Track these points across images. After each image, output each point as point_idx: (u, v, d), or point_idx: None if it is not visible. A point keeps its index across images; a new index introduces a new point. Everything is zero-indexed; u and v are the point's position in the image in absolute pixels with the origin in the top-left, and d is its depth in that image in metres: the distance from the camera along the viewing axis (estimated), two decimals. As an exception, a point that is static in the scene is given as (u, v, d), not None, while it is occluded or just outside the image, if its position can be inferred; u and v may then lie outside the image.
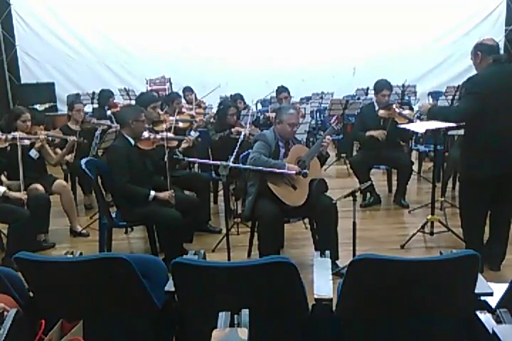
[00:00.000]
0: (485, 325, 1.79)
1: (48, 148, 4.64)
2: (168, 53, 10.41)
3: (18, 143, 4.22)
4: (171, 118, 5.07)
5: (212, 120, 5.47)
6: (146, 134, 4.12)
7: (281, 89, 6.28)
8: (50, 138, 4.64)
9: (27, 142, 4.39)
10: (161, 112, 5.09)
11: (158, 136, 4.18)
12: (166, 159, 4.06)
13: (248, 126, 5.26)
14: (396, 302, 2.01)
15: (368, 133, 5.23)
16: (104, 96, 7.01)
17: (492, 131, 3.34)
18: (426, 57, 10.49)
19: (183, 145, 4.53)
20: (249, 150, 3.87)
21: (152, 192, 3.80)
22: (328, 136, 3.81)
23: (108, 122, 5.50)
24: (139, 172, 3.83)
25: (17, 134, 4.28)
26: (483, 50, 3.44)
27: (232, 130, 5.17)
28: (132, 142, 3.92)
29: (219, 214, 5.26)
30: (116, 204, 4.03)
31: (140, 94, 6.09)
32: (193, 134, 5.09)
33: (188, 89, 7.88)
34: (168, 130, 4.72)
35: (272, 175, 3.57)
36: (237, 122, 5.32)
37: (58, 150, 4.91)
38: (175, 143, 4.50)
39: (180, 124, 5.35)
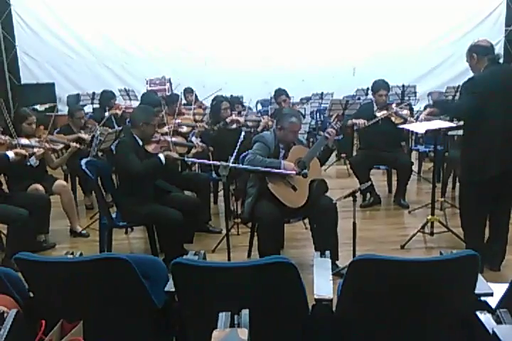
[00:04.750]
0: (485, 326, 1.79)
1: (49, 153, 4.63)
2: (168, 53, 10.42)
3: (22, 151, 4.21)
4: (173, 121, 5.07)
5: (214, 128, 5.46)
6: (156, 135, 4.11)
7: (279, 92, 6.23)
8: (53, 147, 4.62)
9: (30, 151, 4.37)
10: (163, 113, 5.07)
11: (168, 139, 4.17)
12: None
13: (243, 118, 5.31)
14: (396, 303, 2.01)
15: (350, 121, 5.37)
16: (106, 97, 6.98)
17: (492, 131, 3.35)
18: (426, 58, 10.49)
19: (193, 151, 4.53)
20: (249, 151, 3.88)
21: (161, 155, 3.84)
22: (331, 129, 3.79)
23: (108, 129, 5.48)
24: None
25: (20, 141, 4.26)
26: (478, 52, 3.45)
27: (227, 120, 5.19)
28: (140, 142, 3.93)
29: (219, 214, 5.27)
30: (118, 204, 4.03)
31: (147, 95, 6.04)
32: (195, 140, 5.08)
33: (188, 90, 7.86)
34: (169, 133, 4.72)
35: (271, 175, 3.57)
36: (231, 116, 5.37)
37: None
38: (183, 149, 4.48)
39: (184, 129, 5.36)
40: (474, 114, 3.35)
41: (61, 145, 4.79)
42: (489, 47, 3.46)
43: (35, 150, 4.34)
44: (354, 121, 5.34)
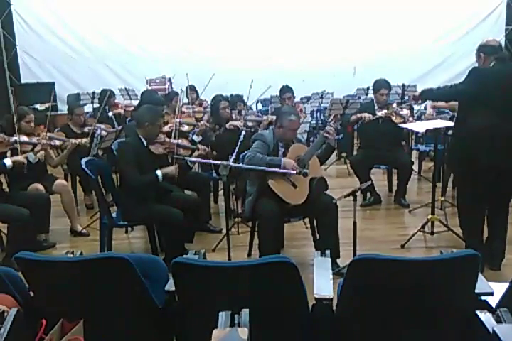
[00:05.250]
0: (485, 325, 1.79)
1: (49, 150, 4.63)
2: (169, 53, 10.41)
3: (20, 149, 4.21)
4: (174, 120, 5.06)
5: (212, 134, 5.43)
6: (161, 136, 4.10)
7: (286, 89, 6.20)
8: (52, 143, 4.62)
9: (29, 148, 4.37)
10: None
11: (174, 141, 4.16)
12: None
13: (242, 118, 5.30)
14: (396, 302, 2.01)
15: (354, 116, 5.35)
16: (105, 97, 6.99)
17: (485, 126, 3.35)
18: (426, 57, 10.48)
19: (195, 154, 4.53)
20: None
21: (158, 172, 3.82)
22: (331, 128, 3.79)
23: (104, 127, 5.48)
24: (146, 173, 3.83)
25: (19, 139, 4.26)
26: (485, 52, 3.46)
27: (227, 126, 5.19)
28: (145, 143, 3.93)
29: (219, 213, 5.26)
30: (119, 203, 4.03)
31: (147, 93, 6.03)
32: (196, 139, 5.08)
33: (191, 88, 7.86)
34: (170, 132, 4.72)
35: (271, 172, 3.58)
36: (231, 115, 5.36)
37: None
38: (188, 151, 4.48)
39: (186, 127, 5.36)
40: (471, 99, 3.38)
41: (60, 142, 4.79)
42: (497, 47, 3.49)
43: (37, 148, 4.35)
44: (359, 115, 5.31)
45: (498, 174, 3.43)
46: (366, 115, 5.26)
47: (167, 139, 4.17)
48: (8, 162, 3.98)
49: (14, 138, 4.22)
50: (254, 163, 3.54)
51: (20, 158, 4.08)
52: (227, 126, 5.22)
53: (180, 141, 4.36)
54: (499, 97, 3.32)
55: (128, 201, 3.87)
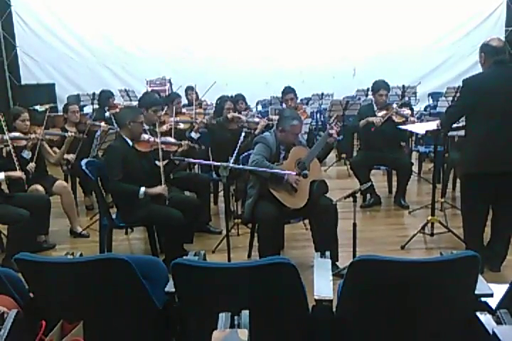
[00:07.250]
0: (485, 326, 1.79)
1: (46, 146, 4.64)
2: (169, 54, 10.43)
3: (14, 144, 4.22)
4: (171, 119, 5.07)
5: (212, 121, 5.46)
6: (145, 136, 4.11)
7: (288, 90, 6.18)
8: (48, 137, 4.63)
9: (24, 143, 4.38)
10: (161, 112, 5.08)
11: (158, 140, 4.18)
12: (160, 162, 4.04)
13: (245, 117, 5.32)
14: (396, 303, 2.01)
15: (363, 120, 5.26)
16: (104, 97, 7.01)
17: (488, 130, 3.35)
18: (426, 58, 10.50)
19: (179, 150, 4.53)
20: (250, 152, 3.88)
21: (142, 189, 3.76)
22: (332, 130, 3.79)
23: (103, 123, 5.49)
24: (136, 173, 3.83)
25: (12, 135, 4.27)
26: (486, 51, 3.45)
27: (229, 115, 5.20)
28: (130, 143, 3.93)
29: (219, 215, 5.26)
30: (117, 205, 4.03)
31: (144, 94, 6.05)
32: (194, 136, 5.07)
33: (190, 89, 7.87)
34: (169, 131, 4.71)
35: (272, 177, 3.57)
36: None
37: (57, 150, 4.92)
38: (174, 147, 4.49)
39: (182, 126, 5.37)
40: (470, 110, 3.41)
41: (56, 137, 4.79)
42: (499, 47, 3.44)
43: (28, 143, 4.39)
44: (370, 119, 5.19)
45: (504, 178, 3.43)
46: (377, 120, 5.15)
47: (151, 138, 4.18)
48: (1, 176, 4.00)
49: (7, 135, 4.23)
50: (260, 167, 3.52)
51: (17, 173, 4.09)
52: (229, 116, 5.23)
53: (163, 138, 4.36)
54: (497, 102, 3.31)
55: (126, 203, 3.87)
